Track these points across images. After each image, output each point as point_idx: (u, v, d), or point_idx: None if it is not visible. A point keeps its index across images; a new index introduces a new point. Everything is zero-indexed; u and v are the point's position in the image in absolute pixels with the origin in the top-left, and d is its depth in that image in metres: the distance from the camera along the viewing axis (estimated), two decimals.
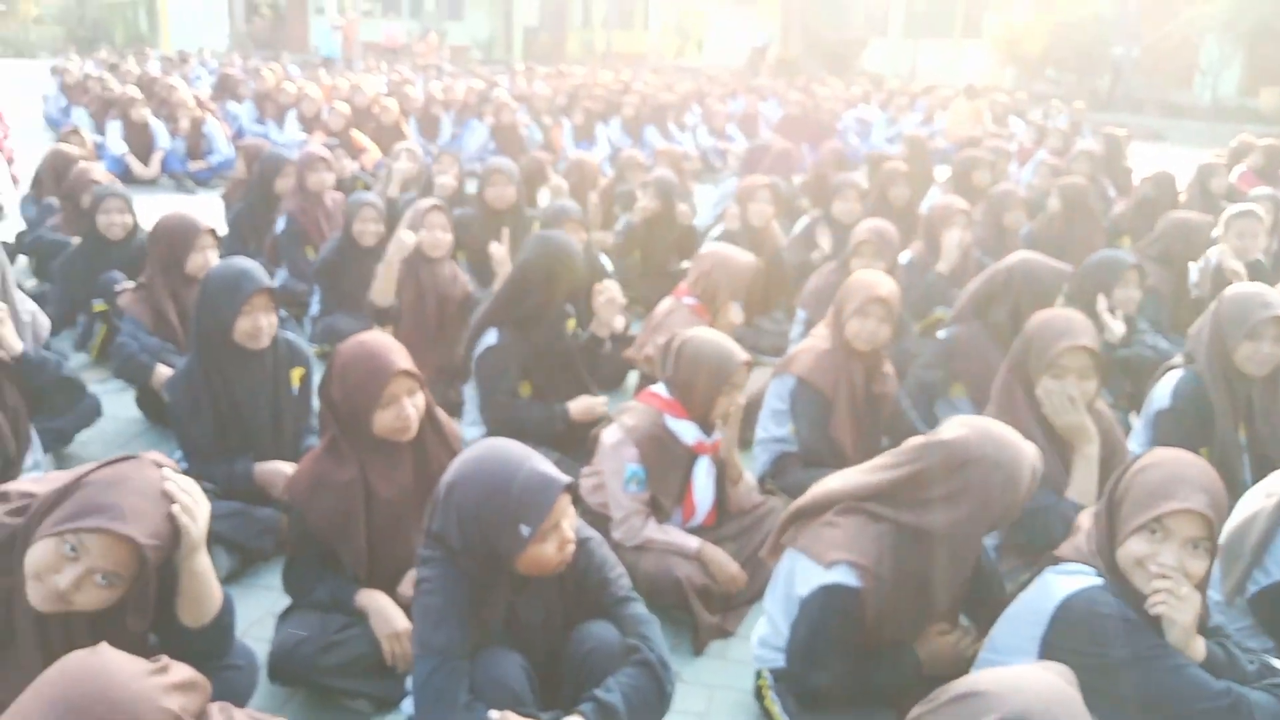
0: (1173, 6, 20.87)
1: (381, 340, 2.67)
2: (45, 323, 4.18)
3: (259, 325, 3.23)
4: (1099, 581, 2.11)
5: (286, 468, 3.23)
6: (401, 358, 2.60)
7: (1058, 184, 6.19)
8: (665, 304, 4.34)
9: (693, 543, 3.05)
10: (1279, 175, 7.95)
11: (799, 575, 2.37)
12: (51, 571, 1.86)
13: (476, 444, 2.20)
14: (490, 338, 3.75)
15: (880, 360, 3.63)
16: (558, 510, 2.06)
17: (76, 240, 5.29)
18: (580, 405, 3.77)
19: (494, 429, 3.66)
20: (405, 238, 4.32)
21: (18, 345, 3.26)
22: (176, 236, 4.08)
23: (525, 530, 2.02)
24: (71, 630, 1.98)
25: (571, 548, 2.14)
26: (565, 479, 2.09)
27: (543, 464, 2.10)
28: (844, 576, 2.24)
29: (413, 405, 2.60)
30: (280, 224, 5.87)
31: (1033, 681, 1.40)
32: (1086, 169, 7.45)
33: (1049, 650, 2.10)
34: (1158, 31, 20.97)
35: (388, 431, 2.59)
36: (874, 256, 4.51)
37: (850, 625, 2.27)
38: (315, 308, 5.26)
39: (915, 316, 4.86)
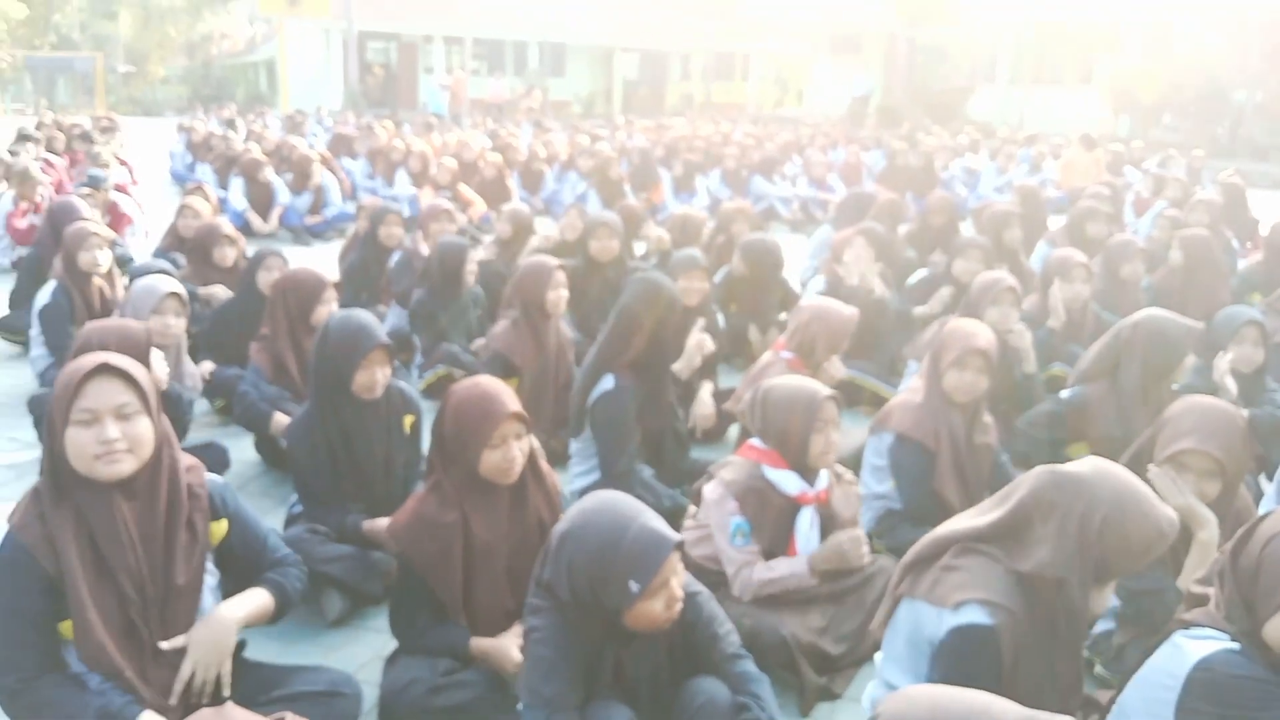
0: None
1: (494, 383, 2.73)
2: (198, 385, 4.39)
3: (375, 378, 3.34)
4: (1234, 645, 2.00)
5: None
6: (512, 400, 2.66)
7: (1178, 235, 5.97)
8: (764, 358, 4.32)
9: (801, 564, 2.99)
10: None
11: (922, 625, 2.28)
12: (94, 442, 2.13)
13: (590, 496, 2.21)
14: (606, 383, 3.78)
15: (980, 410, 3.55)
16: (668, 568, 2.06)
17: (203, 290, 5.56)
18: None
19: (609, 479, 3.70)
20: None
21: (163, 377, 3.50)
22: (305, 291, 4.27)
23: (635, 586, 2.03)
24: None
25: (679, 606, 2.13)
26: (676, 537, 2.09)
27: (655, 520, 2.11)
28: (975, 615, 2.14)
29: (519, 449, 2.65)
30: (394, 258, 6.16)
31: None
32: (1206, 219, 7.17)
33: (1184, 714, 2.00)
34: None
35: (493, 472, 2.64)
36: (1013, 305, 4.40)
37: (990, 667, 2.14)
38: (420, 357, 5.41)
39: None
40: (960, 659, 2.17)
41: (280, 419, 4.07)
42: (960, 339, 3.46)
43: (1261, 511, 3.21)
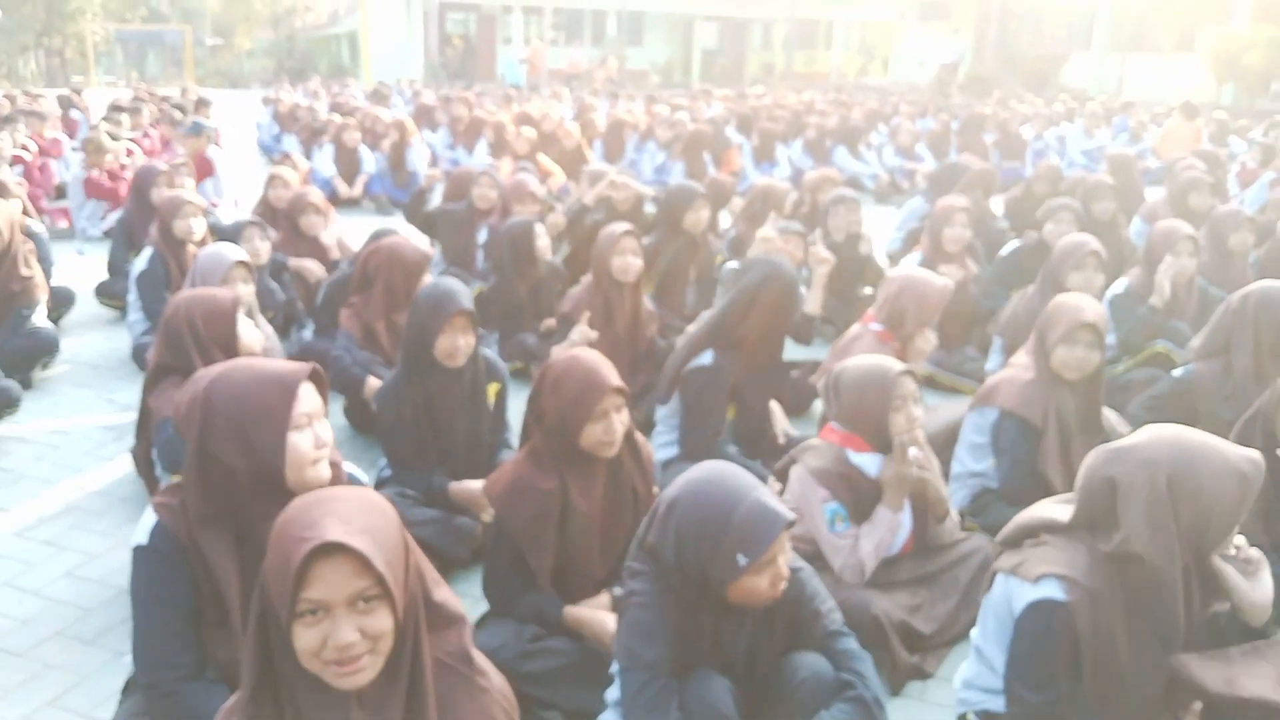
0: None
1: (595, 356, 2.72)
2: (277, 348, 4.45)
3: (456, 345, 3.35)
4: None
5: (479, 487, 3.26)
6: (613, 374, 2.65)
7: None
8: (852, 330, 4.22)
9: (882, 514, 2.91)
10: None
11: (1010, 599, 2.24)
12: (315, 449, 2.09)
13: (703, 465, 2.18)
14: (705, 358, 3.74)
15: (1098, 391, 3.40)
16: (777, 545, 2.03)
17: (294, 262, 5.66)
18: None
19: (691, 451, 3.66)
20: (583, 337, 4.31)
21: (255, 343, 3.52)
22: (413, 267, 4.33)
23: (743, 560, 2.00)
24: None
25: (784, 585, 2.10)
26: (789, 515, 2.05)
27: (767, 496, 2.08)
28: (1051, 590, 2.10)
29: (620, 421, 2.64)
30: (482, 234, 6.19)
31: None
32: None
33: None
34: None
35: (594, 445, 2.63)
36: (1097, 270, 4.26)
37: (1063, 642, 2.10)
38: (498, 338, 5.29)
39: (1129, 351, 4.53)
40: (1031, 635, 2.14)
41: (373, 383, 4.11)
42: (1067, 313, 3.32)
43: None
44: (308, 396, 2.11)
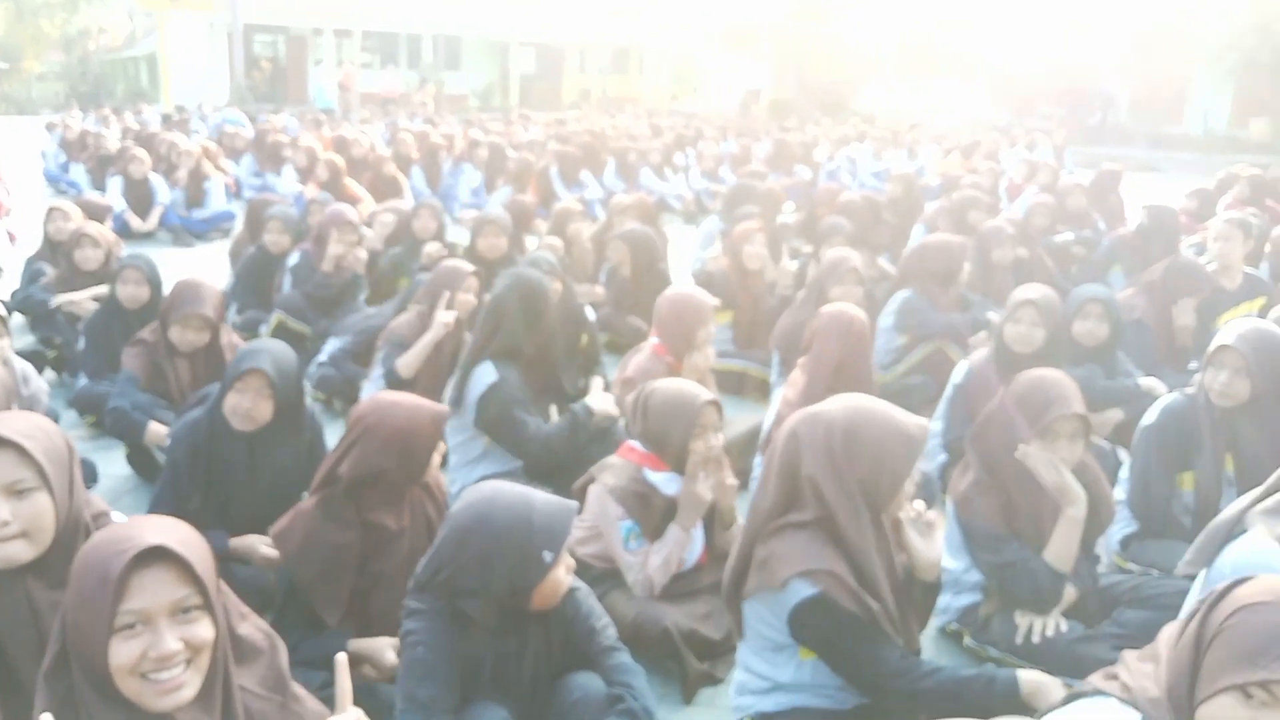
0: (1164, 42, 21.17)
1: (414, 398, 2.80)
2: (45, 388, 4.19)
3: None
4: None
5: (261, 543, 3.04)
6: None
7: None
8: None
9: (672, 531, 3.03)
10: (1266, 204, 8.09)
11: (765, 612, 2.35)
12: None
13: (476, 490, 2.24)
14: (488, 375, 3.69)
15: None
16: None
17: (66, 305, 5.31)
18: (597, 399, 3.84)
19: (531, 463, 3.71)
20: (445, 318, 4.35)
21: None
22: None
23: (548, 556, 2.11)
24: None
25: (574, 565, 2.24)
26: (573, 502, 2.21)
27: (546, 494, 2.21)
28: (802, 591, 2.22)
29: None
30: (294, 257, 5.95)
31: None
32: (1082, 203, 7.59)
33: None
34: (1148, 66, 21.24)
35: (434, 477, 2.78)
36: (855, 283, 4.58)
37: (847, 623, 2.21)
38: (325, 354, 5.15)
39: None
40: (817, 631, 2.26)
41: (156, 429, 3.90)
42: (840, 323, 3.63)
43: (1119, 485, 3.42)
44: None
